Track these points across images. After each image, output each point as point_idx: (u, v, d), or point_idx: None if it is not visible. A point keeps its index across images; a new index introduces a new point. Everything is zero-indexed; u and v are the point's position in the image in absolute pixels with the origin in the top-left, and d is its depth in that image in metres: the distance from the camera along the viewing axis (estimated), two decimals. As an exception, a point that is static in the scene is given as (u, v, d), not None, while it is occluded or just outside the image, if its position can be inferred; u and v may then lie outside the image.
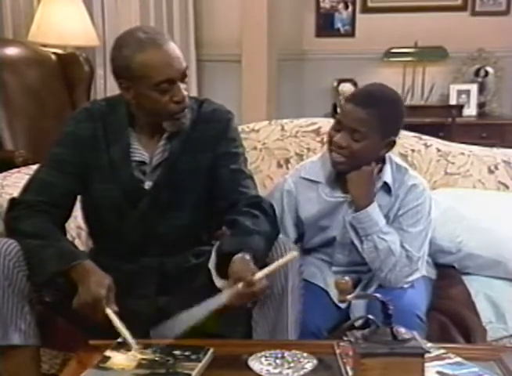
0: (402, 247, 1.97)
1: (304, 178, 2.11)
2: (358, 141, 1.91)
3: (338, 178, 2.05)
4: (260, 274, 1.60)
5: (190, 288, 1.80)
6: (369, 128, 1.90)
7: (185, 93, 1.81)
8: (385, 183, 2.01)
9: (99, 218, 1.92)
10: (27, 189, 1.88)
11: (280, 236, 1.81)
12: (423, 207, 2.01)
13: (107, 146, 1.87)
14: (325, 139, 2.53)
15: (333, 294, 1.95)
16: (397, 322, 1.53)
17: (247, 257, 1.63)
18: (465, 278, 2.19)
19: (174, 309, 1.69)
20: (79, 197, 1.95)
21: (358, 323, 1.67)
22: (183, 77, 1.81)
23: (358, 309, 1.92)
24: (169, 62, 1.77)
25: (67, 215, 1.91)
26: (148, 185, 1.87)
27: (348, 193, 2.00)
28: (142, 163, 1.88)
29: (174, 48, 1.80)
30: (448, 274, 2.21)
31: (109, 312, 1.62)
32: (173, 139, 1.88)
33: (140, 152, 1.88)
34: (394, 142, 1.98)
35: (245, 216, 1.77)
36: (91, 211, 1.97)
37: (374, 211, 1.95)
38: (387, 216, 2.01)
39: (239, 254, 1.63)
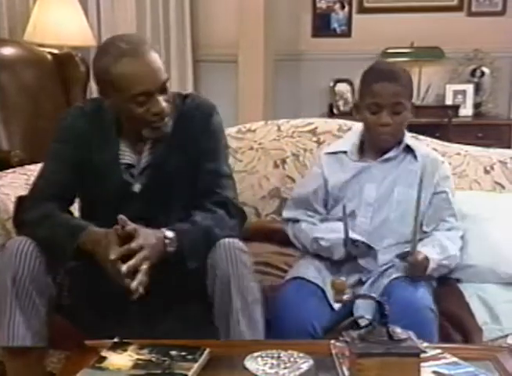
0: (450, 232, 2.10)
1: (328, 153, 2.20)
2: (399, 113, 2.03)
3: (362, 147, 2.16)
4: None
5: (180, 286, 1.81)
6: (404, 97, 2.03)
7: (164, 105, 1.79)
8: (407, 146, 2.12)
9: (93, 217, 1.92)
10: (33, 189, 1.90)
11: (232, 240, 1.78)
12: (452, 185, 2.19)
13: (99, 146, 1.88)
14: (322, 139, 2.55)
15: (329, 294, 1.95)
16: (412, 316, 1.71)
17: (164, 232, 1.71)
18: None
19: (163, 308, 1.76)
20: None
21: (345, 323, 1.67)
22: (162, 89, 1.79)
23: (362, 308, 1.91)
24: (146, 75, 1.75)
25: (70, 204, 1.94)
26: (137, 188, 1.88)
27: (374, 159, 2.11)
28: (131, 166, 1.88)
29: (154, 59, 1.77)
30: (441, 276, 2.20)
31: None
32: (158, 141, 1.88)
33: (128, 154, 1.89)
34: (414, 105, 2.12)
35: (201, 211, 1.81)
36: (86, 210, 1.98)
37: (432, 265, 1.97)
38: (408, 177, 2.07)
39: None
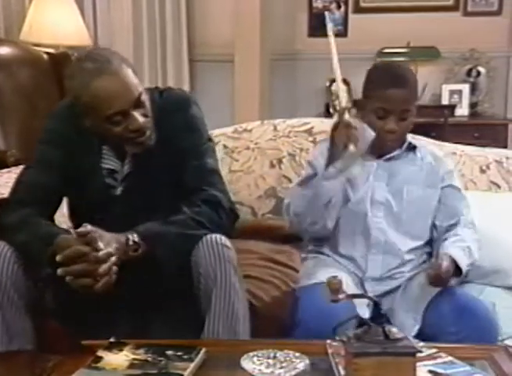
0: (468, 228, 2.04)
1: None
2: (406, 119, 1.99)
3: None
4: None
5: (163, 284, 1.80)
6: (412, 104, 2.00)
7: (142, 120, 1.75)
8: (410, 145, 2.09)
9: (80, 221, 1.91)
10: (15, 191, 1.88)
11: (215, 236, 1.75)
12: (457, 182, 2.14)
13: (83, 150, 1.86)
14: (318, 139, 2.55)
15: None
16: (477, 323, 1.76)
17: (127, 236, 1.67)
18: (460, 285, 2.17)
19: (152, 306, 1.76)
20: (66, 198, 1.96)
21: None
22: (137, 104, 1.75)
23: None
24: (117, 94, 1.71)
25: (54, 211, 1.91)
26: (119, 191, 1.86)
27: (378, 158, 2.06)
28: (114, 171, 1.87)
29: (124, 75, 1.72)
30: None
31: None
32: None
33: (111, 159, 1.87)
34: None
35: (188, 207, 1.78)
36: (74, 212, 1.97)
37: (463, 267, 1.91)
38: (416, 175, 2.05)
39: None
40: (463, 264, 1.89)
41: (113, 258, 1.62)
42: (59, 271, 1.59)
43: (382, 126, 1.98)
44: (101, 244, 1.62)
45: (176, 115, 1.88)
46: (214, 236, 1.75)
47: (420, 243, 2.04)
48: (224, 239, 1.75)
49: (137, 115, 1.74)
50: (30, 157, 1.94)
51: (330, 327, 1.62)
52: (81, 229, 1.64)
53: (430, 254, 2.04)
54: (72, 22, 4.05)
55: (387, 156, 2.06)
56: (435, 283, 1.84)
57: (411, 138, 2.13)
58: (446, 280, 1.84)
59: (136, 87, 1.75)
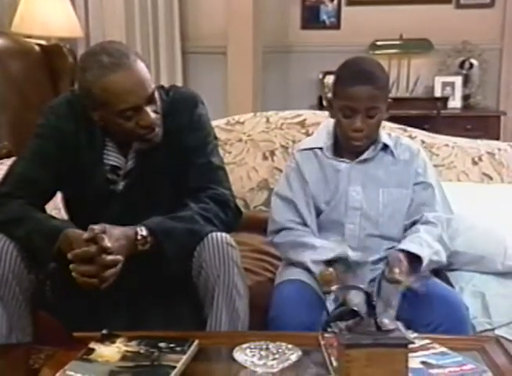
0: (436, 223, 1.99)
1: (304, 149, 2.09)
2: (373, 117, 1.93)
3: (337, 144, 2.06)
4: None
5: (164, 281, 1.80)
6: (380, 101, 1.93)
7: (153, 116, 1.75)
8: (385, 145, 2.04)
9: (77, 215, 1.90)
10: (4, 182, 1.85)
11: (221, 234, 1.76)
12: (433, 173, 2.10)
13: (85, 146, 1.84)
14: (310, 131, 2.55)
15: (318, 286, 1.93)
16: (452, 313, 1.78)
17: (135, 229, 1.67)
18: (449, 274, 2.17)
19: (150, 302, 1.76)
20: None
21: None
22: (149, 100, 1.74)
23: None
24: (132, 89, 1.70)
25: (44, 203, 1.89)
26: (121, 186, 1.85)
27: (351, 158, 2.02)
28: (117, 167, 1.85)
29: (139, 71, 1.71)
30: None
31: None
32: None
33: (114, 155, 1.85)
34: (391, 102, 2.02)
35: (195, 203, 1.78)
36: (70, 207, 1.96)
37: (425, 261, 1.90)
38: (390, 177, 2.02)
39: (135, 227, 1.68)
40: (423, 254, 1.88)
41: (120, 265, 1.63)
42: (71, 266, 1.60)
43: (348, 125, 1.94)
44: (109, 243, 1.61)
45: (183, 113, 1.87)
46: (219, 234, 1.75)
47: (396, 244, 2.00)
48: (229, 238, 1.76)
49: (149, 111, 1.74)
50: (22, 150, 1.92)
51: (302, 322, 1.66)
52: (89, 234, 1.63)
53: None
54: (63, 13, 4.03)
55: (361, 157, 2.02)
56: (394, 281, 1.82)
57: (387, 134, 2.08)
58: (404, 273, 1.83)
59: (150, 83, 1.74)
